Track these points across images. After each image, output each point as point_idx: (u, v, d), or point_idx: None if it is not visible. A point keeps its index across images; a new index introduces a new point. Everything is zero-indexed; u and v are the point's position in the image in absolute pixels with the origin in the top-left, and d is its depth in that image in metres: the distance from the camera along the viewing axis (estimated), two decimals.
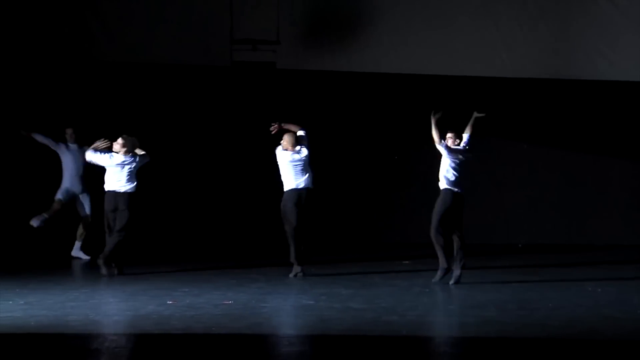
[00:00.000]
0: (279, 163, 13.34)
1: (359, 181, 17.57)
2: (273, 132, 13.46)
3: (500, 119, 17.57)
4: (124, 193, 13.31)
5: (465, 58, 15.96)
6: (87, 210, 14.88)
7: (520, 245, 17.04)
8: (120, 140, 13.49)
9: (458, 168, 12.69)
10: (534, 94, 17.27)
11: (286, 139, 13.35)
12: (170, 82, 17.33)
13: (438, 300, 11.60)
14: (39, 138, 14.98)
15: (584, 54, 15.69)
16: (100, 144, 13.52)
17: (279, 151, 13.40)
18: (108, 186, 13.36)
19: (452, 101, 17.64)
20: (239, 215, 17.27)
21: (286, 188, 13.27)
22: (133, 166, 13.44)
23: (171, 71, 17.01)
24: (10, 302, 11.11)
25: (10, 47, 16.01)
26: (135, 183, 13.43)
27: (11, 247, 15.16)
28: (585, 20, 15.66)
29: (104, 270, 13.13)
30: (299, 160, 13.28)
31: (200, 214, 17.27)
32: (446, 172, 12.69)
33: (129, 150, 13.50)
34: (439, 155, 12.81)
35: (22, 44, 16.01)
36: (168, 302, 11.23)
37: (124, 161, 13.39)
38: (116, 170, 13.35)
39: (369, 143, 17.85)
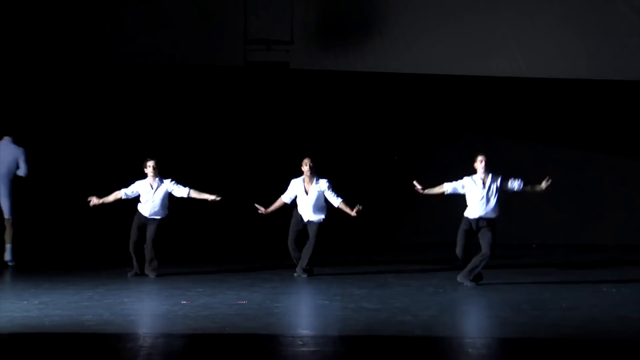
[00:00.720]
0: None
1: (373, 180, 17.56)
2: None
3: (516, 119, 17.59)
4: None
5: (479, 58, 15.92)
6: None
7: (534, 246, 17.01)
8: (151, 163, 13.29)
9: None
10: (546, 94, 17.26)
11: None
12: (184, 82, 17.37)
13: (452, 301, 11.58)
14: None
15: (593, 53, 15.64)
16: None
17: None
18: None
19: (465, 100, 17.67)
20: (253, 215, 17.26)
21: None
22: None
23: (185, 71, 17.04)
24: (25, 302, 11.14)
25: (26, 48, 16.05)
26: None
27: (27, 247, 15.17)
28: (597, 21, 15.62)
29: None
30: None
31: (214, 214, 17.28)
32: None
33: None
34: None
35: (45, 46, 16.05)
36: (182, 302, 11.24)
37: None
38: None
39: (383, 143, 17.85)
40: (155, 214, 13.19)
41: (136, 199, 13.35)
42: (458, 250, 12.51)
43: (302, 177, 13.40)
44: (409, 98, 17.68)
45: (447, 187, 12.65)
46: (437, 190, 12.70)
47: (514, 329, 9.96)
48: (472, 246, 12.53)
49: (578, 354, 9.01)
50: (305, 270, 13.22)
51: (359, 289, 12.30)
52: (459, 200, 12.79)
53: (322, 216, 13.31)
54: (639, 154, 17.47)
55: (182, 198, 13.35)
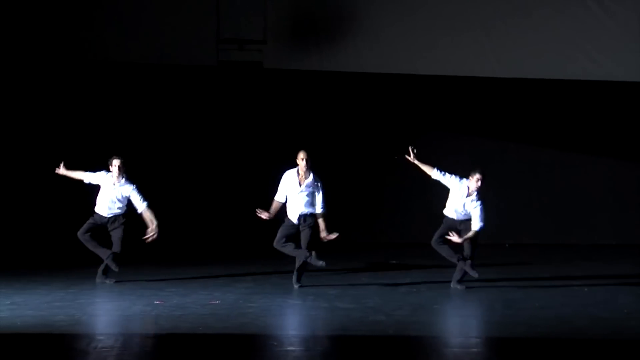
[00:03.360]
0: None
1: (346, 181, 17.57)
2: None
3: (492, 120, 17.66)
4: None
5: (454, 58, 15.98)
6: None
7: (507, 245, 17.07)
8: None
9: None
10: (527, 94, 17.35)
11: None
12: (156, 82, 17.31)
13: (425, 300, 11.60)
14: None
15: (577, 55, 15.73)
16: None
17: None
18: None
19: (440, 101, 17.73)
20: (226, 215, 17.25)
21: None
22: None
23: (157, 71, 16.99)
24: None
25: (5, 47, 15.98)
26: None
27: None
28: (574, 22, 15.70)
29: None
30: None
31: (188, 214, 17.25)
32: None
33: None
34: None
35: (15, 44, 15.97)
36: (155, 302, 11.21)
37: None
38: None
39: (355, 143, 17.87)
40: (113, 212, 12.93)
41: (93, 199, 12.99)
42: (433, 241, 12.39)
43: (295, 170, 12.77)
44: (381, 98, 17.71)
45: (435, 175, 12.46)
46: (425, 168, 12.49)
47: (486, 328, 10.00)
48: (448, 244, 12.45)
49: (549, 353, 9.06)
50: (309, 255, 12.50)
51: (333, 288, 12.31)
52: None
53: (313, 211, 12.59)
54: (606, 153, 17.59)
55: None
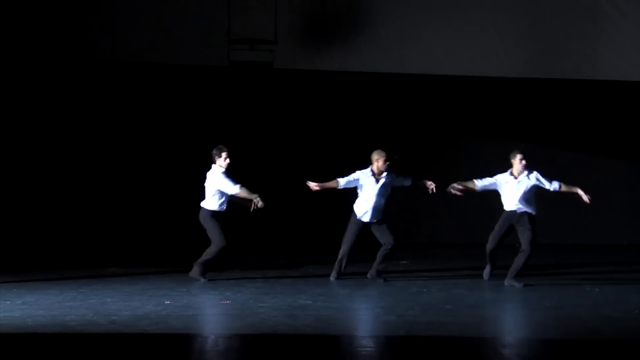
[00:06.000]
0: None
1: None
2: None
3: (505, 120, 17.62)
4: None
5: (463, 58, 15.97)
6: None
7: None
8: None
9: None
10: (531, 94, 17.31)
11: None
12: (167, 82, 17.32)
13: (435, 300, 11.58)
14: None
15: (583, 54, 15.70)
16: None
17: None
18: None
19: (449, 100, 17.70)
20: (237, 215, 17.24)
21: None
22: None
23: (169, 71, 17.00)
24: (8, 302, 11.09)
25: (7, 46, 16.01)
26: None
27: (9, 247, 15.12)
28: (584, 21, 15.68)
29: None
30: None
31: (198, 214, 17.25)
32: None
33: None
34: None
35: (17, 43, 16.01)
36: (166, 302, 11.21)
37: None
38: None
39: (366, 142, 17.84)
40: None
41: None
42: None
43: (369, 169, 12.94)
44: (393, 98, 17.70)
45: (480, 185, 12.60)
46: (470, 185, 12.59)
47: (498, 328, 9.98)
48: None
49: (561, 354, 9.03)
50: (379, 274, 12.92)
51: (343, 288, 12.30)
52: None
53: (381, 216, 12.79)
54: (625, 154, 17.54)
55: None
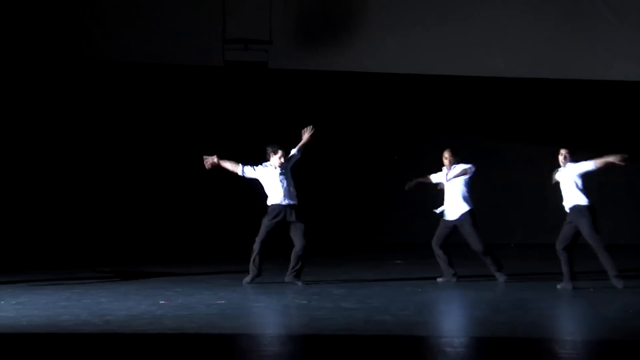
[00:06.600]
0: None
1: (350, 181, 17.58)
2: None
3: (503, 120, 17.65)
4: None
5: (459, 58, 15.97)
6: None
7: (512, 245, 17.05)
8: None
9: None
10: (530, 94, 17.34)
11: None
12: (162, 82, 17.33)
13: (430, 300, 11.59)
14: None
15: (583, 54, 15.72)
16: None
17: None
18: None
19: (446, 100, 17.73)
20: (232, 215, 17.26)
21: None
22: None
23: (163, 70, 17.01)
24: (2, 302, 11.09)
25: (3, 45, 16.01)
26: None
27: (3, 247, 15.11)
28: (581, 22, 15.70)
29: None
30: None
31: (193, 214, 17.26)
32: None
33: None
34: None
35: (11, 42, 16.00)
36: (161, 302, 11.21)
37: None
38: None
39: (361, 142, 17.87)
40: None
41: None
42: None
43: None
44: (387, 97, 17.71)
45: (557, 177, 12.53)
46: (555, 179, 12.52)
47: (492, 328, 9.98)
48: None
49: (556, 353, 9.04)
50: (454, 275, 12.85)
51: (338, 288, 12.30)
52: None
53: (468, 208, 12.77)
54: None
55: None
